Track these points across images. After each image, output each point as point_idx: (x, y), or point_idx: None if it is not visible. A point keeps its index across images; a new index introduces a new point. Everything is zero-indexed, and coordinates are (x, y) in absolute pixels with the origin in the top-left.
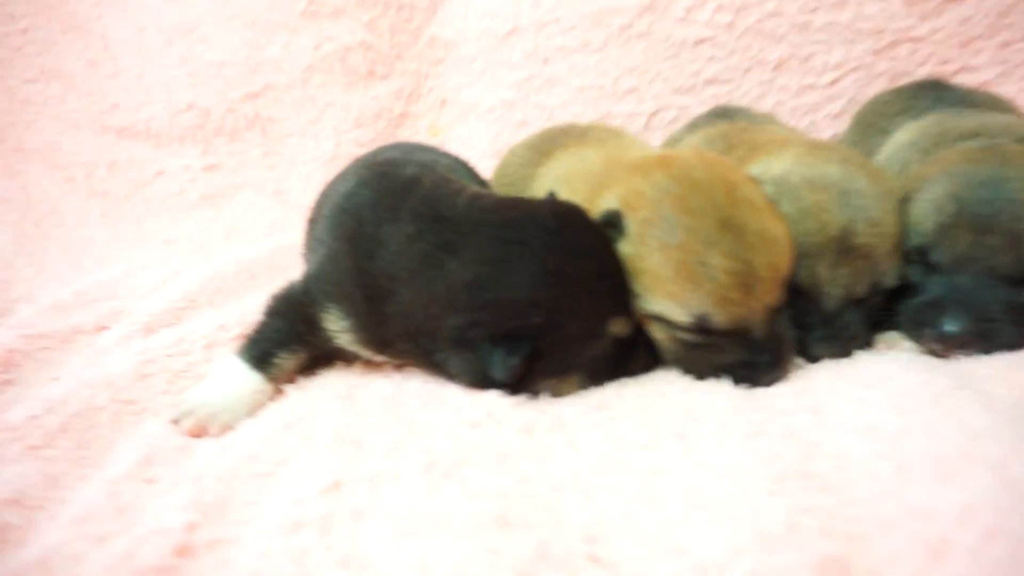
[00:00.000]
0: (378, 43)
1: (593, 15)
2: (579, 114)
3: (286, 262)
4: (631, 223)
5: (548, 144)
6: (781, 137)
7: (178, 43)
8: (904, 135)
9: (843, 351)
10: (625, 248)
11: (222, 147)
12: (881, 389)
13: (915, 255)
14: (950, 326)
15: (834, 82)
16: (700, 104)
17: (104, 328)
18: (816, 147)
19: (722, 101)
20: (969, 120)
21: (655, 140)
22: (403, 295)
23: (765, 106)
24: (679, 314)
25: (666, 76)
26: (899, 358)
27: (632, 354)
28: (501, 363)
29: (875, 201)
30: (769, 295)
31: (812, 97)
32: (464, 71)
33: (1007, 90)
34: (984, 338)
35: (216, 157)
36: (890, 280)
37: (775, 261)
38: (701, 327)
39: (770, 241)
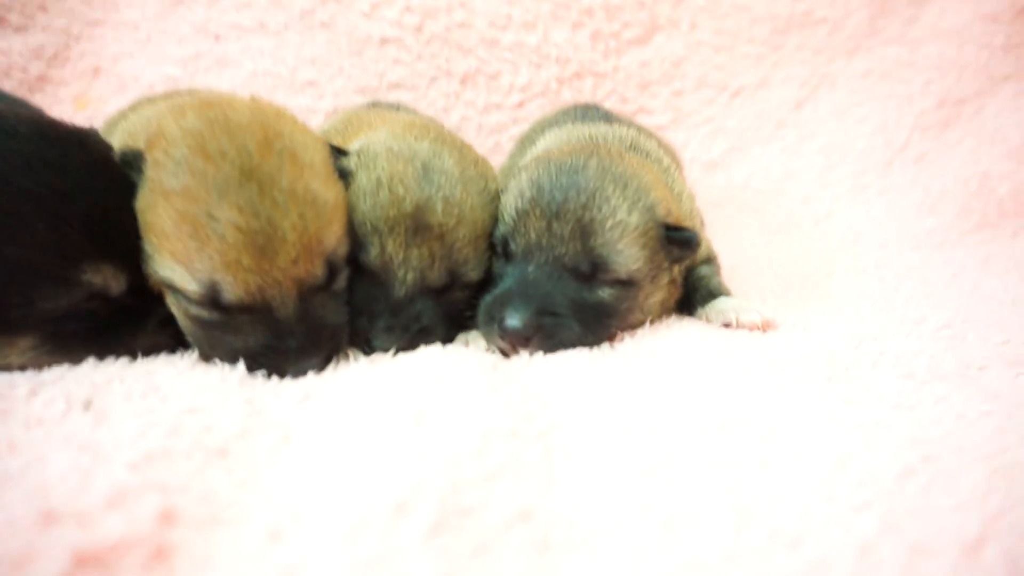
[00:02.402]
0: None
1: None
2: None
3: None
4: (147, 167)
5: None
6: (395, 116)
7: None
8: (542, 141)
9: (408, 344)
10: (139, 199)
11: None
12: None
13: (499, 245)
14: (511, 319)
15: (520, 104)
16: None
17: None
18: (416, 126)
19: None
20: (593, 128)
21: None
22: None
23: (451, 120)
24: (187, 281)
25: (348, 73)
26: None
27: (137, 326)
28: None
29: (459, 183)
30: (296, 264)
31: (498, 116)
32: (125, 38)
33: (678, 136)
34: (546, 335)
35: None
36: (472, 273)
37: (307, 225)
38: (213, 300)
39: (305, 200)
